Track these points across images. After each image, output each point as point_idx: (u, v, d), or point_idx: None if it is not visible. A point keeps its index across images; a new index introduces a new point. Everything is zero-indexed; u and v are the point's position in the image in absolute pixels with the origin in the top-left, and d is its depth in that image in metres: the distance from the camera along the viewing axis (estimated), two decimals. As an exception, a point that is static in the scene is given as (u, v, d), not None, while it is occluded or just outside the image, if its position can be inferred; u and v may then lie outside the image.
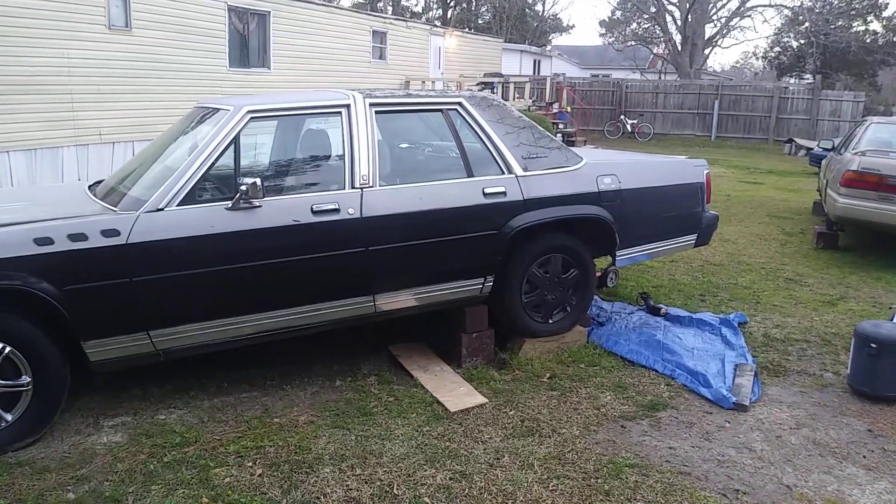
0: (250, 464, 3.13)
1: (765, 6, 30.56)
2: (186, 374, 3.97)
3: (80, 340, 3.23)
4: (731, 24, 30.50)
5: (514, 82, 18.32)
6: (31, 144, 9.58)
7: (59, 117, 9.85)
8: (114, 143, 10.68)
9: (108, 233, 3.21)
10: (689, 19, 27.49)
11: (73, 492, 2.90)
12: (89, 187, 3.99)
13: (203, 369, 4.02)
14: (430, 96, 4.35)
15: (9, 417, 3.16)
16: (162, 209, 3.34)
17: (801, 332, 4.97)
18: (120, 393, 3.77)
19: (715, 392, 3.91)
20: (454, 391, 3.87)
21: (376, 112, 3.95)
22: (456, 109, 4.19)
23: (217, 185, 3.65)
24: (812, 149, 13.81)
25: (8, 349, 3.09)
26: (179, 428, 3.43)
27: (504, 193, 4.08)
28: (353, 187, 3.72)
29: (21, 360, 3.14)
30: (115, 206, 3.41)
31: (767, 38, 37.80)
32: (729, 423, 3.65)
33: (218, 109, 3.79)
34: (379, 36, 16.99)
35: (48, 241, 3.10)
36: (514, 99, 17.56)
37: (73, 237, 3.14)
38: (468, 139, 4.17)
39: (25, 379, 3.17)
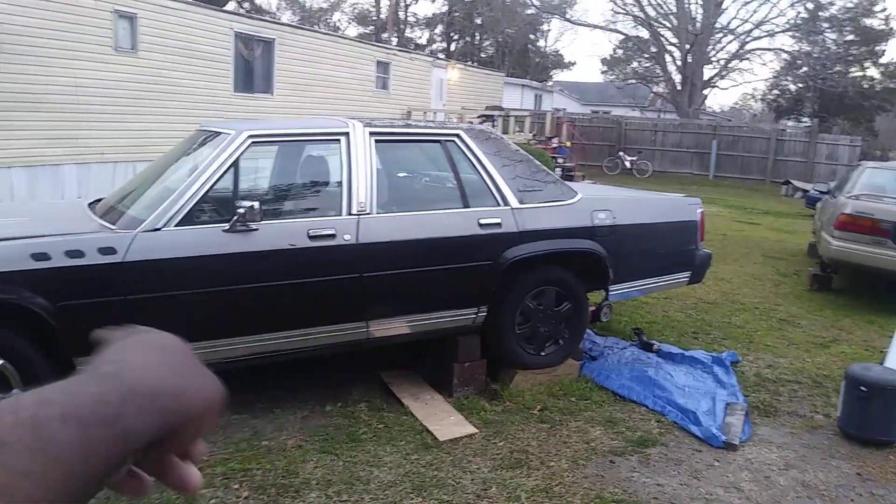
0: (236, 486, 3.12)
1: (764, 49, 31.06)
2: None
3: (71, 357, 3.23)
4: (730, 66, 30.92)
5: (515, 116, 18.51)
6: (33, 161, 9.64)
7: (62, 135, 9.93)
8: (115, 162, 10.75)
9: (104, 250, 3.23)
10: (689, 60, 27.88)
11: (57, 510, 2.88)
12: (89, 205, 4.02)
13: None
14: (429, 127, 4.42)
15: (-4, 432, 3.15)
16: (159, 229, 3.36)
17: (792, 373, 4.98)
18: (108, 411, 3.75)
19: (705, 430, 3.91)
20: (444, 420, 3.87)
21: (376, 141, 4.00)
22: (454, 141, 4.24)
23: (216, 207, 3.69)
24: (808, 191, 13.93)
25: (1, 362, 3.09)
26: (167, 448, 3.41)
27: (499, 225, 4.12)
28: (350, 214, 3.76)
29: (13, 374, 3.14)
30: (114, 225, 3.44)
31: (766, 80, 38.30)
32: (718, 461, 3.65)
33: (219, 133, 3.84)
34: (382, 66, 17.19)
35: (45, 256, 3.12)
36: (514, 132, 17.71)
37: (70, 254, 3.16)
38: (465, 170, 4.22)
39: (16, 392, 3.15)
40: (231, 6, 27.94)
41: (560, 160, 18.26)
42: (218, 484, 3.12)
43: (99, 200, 4.19)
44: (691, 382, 4.62)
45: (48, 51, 9.58)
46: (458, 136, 4.27)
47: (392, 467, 3.36)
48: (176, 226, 3.40)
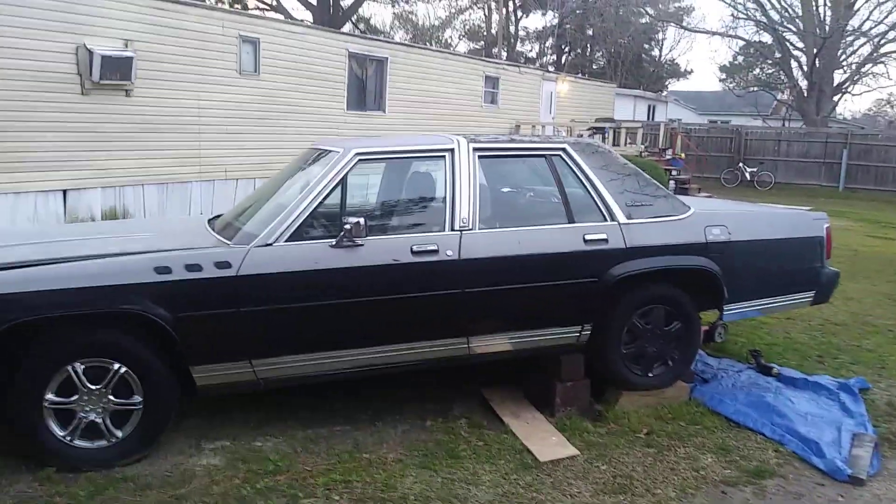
0: (337, 497, 3.18)
1: (901, 52, 28.85)
2: (285, 402, 4.10)
3: (188, 365, 3.41)
4: (863, 70, 28.88)
5: (626, 128, 18.08)
6: (163, 179, 10.34)
7: (189, 154, 10.60)
8: (237, 179, 11.36)
9: (220, 265, 3.39)
10: (817, 65, 26.30)
11: (172, 510, 3.04)
12: (209, 221, 4.24)
13: (301, 399, 4.14)
14: (534, 142, 4.37)
15: (119, 434, 3.37)
16: (271, 244, 3.50)
17: (931, 404, 4.54)
18: (222, 417, 3.94)
19: (828, 462, 3.62)
20: (545, 440, 3.79)
21: (479, 156, 4.00)
22: (559, 155, 4.18)
23: (324, 222, 3.79)
24: (953, 204, 12.77)
25: (124, 369, 3.31)
26: (273, 456, 3.53)
27: (605, 241, 4.01)
28: (452, 229, 3.77)
29: (134, 381, 3.35)
30: (230, 240, 3.61)
31: (904, 85, 35.57)
32: (843, 497, 3.37)
33: (329, 151, 3.96)
34: (491, 81, 17.28)
35: (167, 269, 3.31)
36: (625, 144, 17.31)
37: (190, 267, 3.35)
38: (571, 185, 4.15)
39: (137, 399, 3.37)
40: (347, 27, 29.00)
41: (674, 172, 17.68)
42: (320, 494, 3.19)
43: (219, 216, 4.42)
44: (814, 410, 4.30)
45: (179, 76, 10.28)
46: (563, 150, 4.21)
47: (490, 486, 3.32)
48: (286, 241, 3.53)
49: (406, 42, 23.19)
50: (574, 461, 3.60)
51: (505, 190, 4.45)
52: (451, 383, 4.48)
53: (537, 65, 36.71)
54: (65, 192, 9.20)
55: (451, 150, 3.95)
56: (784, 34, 27.88)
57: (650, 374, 4.28)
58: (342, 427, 3.90)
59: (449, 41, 43.05)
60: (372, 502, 3.14)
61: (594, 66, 41.44)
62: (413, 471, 3.44)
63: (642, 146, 17.28)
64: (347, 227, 3.52)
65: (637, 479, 3.45)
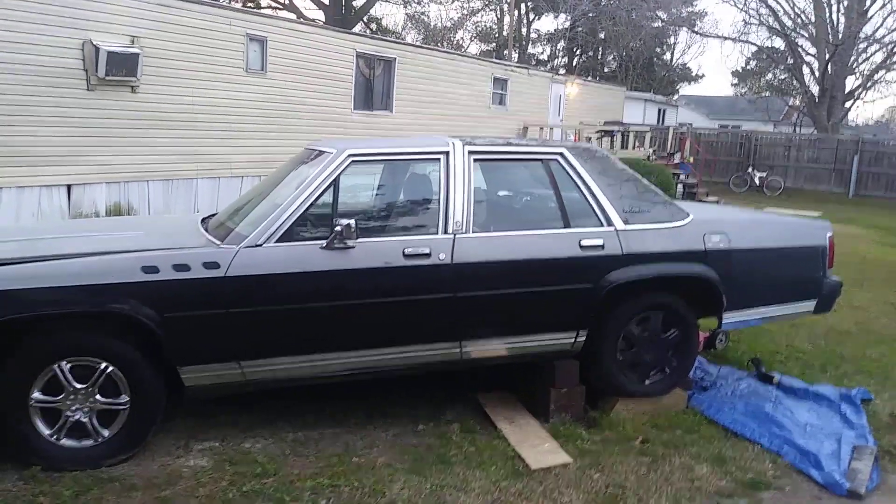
0: (324, 501, 3.14)
1: (915, 59, 28.51)
2: (276, 404, 4.06)
3: (176, 366, 3.38)
4: (876, 77, 28.58)
5: (635, 131, 17.98)
6: (168, 175, 10.33)
7: (195, 151, 10.59)
8: (243, 176, 11.34)
9: (209, 265, 3.36)
10: (829, 71, 26.05)
11: (156, 512, 3.01)
12: (202, 220, 4.21)
13: (293, 401, 4.10)
14: (531, 146, 4.32)
15: (105, 433, 3.34)
16: (261, 245, 3.46)
17: (934, 417, 4.46)
18: (212, 418, 3.90)
19: (826, 475, 3.56)
20: (538, 447, 3.74)
21: (475, 159, 3.95)
22: (556, 160, 4.12)
23: (316, 224, 3.75)
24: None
25: (111, 368, 3.28)
26: (262, 458, 3.49)
27: (601, 246, 3.95)
28: (445, 233, 3.73)
29: (121, 380, 3.32)
30: (220, 240, 3.58)
31: (918, 92, 35.26)
32: (840, 512, 3.31)
33: (322, 152, 3.92)
34: (500, 83, 17.21)
35: (154, 269, 3.28)
36: (633, 148, 17.22)
37: (177, 267, 3.31)
38: (567, 189, 4.09)
39: (124, 398, 3.34)
40: (358, 27, 29.01)
41: (682, 176, 17.57)
42: (306, 498, 3.15)
43: (213, 216, 4.39)
44: (815, 421, 4.23)
45: (185, 72, 10.26)
46: (561, 154, 4.15)
47: (480, 494, 3.27)
48: (276, 242, 3.49)
49: (414, 43, 23.16)
50: (566, 469, 3.55)
51: (501, 194, 4.40)
52: (445, 387, 4.43)
53: (548, 67, 36.59)
54: (69, 187, 9.21)
55: (447, 153, 3.90)
56: (796, 40, 27.65)
57: (646, 382, 4.22)
58: (333, 430, 3.86)
59: (461, 42, 42.91)
60: (358, 508, 3.10)
61: (605, 69, 41.29)
62: (402, 476, 3.39)
63: (650, 150, 17.17)
64: (338, 228, 3.48)
65: (630, 488, 3.39)
